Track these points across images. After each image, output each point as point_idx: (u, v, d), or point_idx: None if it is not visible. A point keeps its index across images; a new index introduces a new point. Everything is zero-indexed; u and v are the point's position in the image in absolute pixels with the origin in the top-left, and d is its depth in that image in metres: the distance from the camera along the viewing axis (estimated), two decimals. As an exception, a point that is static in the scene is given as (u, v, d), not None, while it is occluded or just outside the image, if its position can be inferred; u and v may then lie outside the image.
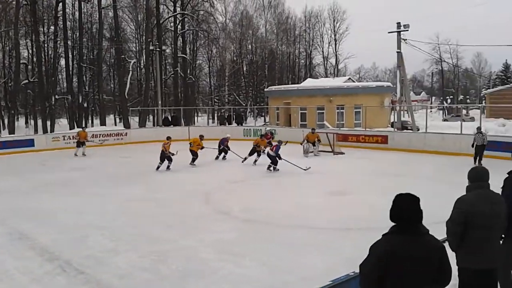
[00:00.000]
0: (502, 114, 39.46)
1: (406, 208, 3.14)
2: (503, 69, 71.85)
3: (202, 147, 18.63)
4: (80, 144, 22.95)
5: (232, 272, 7.30)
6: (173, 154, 17.33)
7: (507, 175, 4.91)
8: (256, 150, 18.76)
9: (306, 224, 9.85)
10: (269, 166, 16.96)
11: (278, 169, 16.80)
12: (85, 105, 44.69)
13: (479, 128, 17.93)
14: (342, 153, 21.37)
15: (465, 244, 4.12)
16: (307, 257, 7.85)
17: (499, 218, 4.13)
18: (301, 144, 21.25)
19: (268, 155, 17.13)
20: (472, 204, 4.09)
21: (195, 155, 18.40)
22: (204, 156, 18.82)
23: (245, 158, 18.61)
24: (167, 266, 7.60)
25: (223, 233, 9.37)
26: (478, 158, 16.93)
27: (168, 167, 17.36)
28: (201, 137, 18.61)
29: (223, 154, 20.40)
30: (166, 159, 17.32)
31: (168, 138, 17.73)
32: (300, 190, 13.66)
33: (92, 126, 44.00)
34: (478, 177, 4.23)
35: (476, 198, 4.13)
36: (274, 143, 17.47)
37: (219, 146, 20.47)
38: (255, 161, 18.56)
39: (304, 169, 16.05)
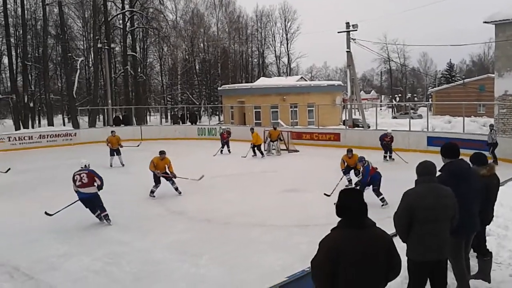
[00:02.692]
0: (448, 112, 41.01)
1: (349, 202, 3.24)
2: (448, 68, 74.73)
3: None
4: (113, 152, 18.49)
5: (189, 272, 7.24)
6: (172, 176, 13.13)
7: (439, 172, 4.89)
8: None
9: (263, 223, 9.90)
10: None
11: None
12: (31, 105, 42.83)
13: (492, 125, 17.98)
14: (297, 151, 21.59)
15: (412, 236, 4.21)
16: (264, 255, 7.88)
17: (447, 211, 4.21)
18: (265, 142, 21.19)
19: None
20: (418, 197, 4.18)
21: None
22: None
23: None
24: (121, 268, 7.43)
25: (179, 233, 9.27)
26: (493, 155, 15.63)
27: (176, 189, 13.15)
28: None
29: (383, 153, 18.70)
30: (167, 180, 13.14)
31: (162, 152, 13.11)
32: (257, 189, 13.60)
33: (40, 126, 42.33)
34: (425, 171, 4.31)
35: (422, 191, 4.22)
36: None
37: (381, 143, 18.89)
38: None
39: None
